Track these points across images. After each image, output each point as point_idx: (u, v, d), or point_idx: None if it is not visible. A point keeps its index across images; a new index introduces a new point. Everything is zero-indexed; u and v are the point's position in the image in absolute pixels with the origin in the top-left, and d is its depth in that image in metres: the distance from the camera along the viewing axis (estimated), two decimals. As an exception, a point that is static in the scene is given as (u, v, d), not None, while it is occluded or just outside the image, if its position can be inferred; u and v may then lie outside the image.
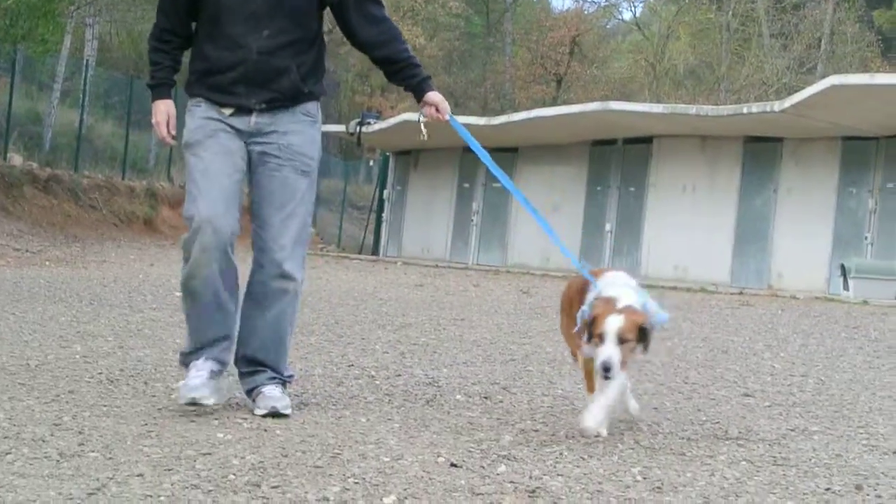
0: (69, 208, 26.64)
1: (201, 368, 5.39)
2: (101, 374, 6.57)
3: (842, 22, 45.51)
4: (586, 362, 5.45)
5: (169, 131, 5.49)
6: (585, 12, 54.43)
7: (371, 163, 37.26)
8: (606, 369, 5.00)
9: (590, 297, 5.25)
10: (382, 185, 35.66)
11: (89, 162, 30.99)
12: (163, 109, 5.52)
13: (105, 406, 5.51)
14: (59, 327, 8.85)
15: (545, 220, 5.97)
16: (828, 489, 4.51)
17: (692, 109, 25.60)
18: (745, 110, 24.39)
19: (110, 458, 4.34)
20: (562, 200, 29.77)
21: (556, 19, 53.81)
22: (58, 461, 4.23)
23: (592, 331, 5.08)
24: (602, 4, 56.80)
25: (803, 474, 4.80)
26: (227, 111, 5.46)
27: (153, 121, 5.55)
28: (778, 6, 46.51)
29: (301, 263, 5.56)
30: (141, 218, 29.58)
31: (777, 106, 23.16)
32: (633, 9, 77.66)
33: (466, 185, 32.95)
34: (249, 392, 5.57)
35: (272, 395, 5.43)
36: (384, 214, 35.67)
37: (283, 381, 5.61)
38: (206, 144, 5.39)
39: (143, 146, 34.39)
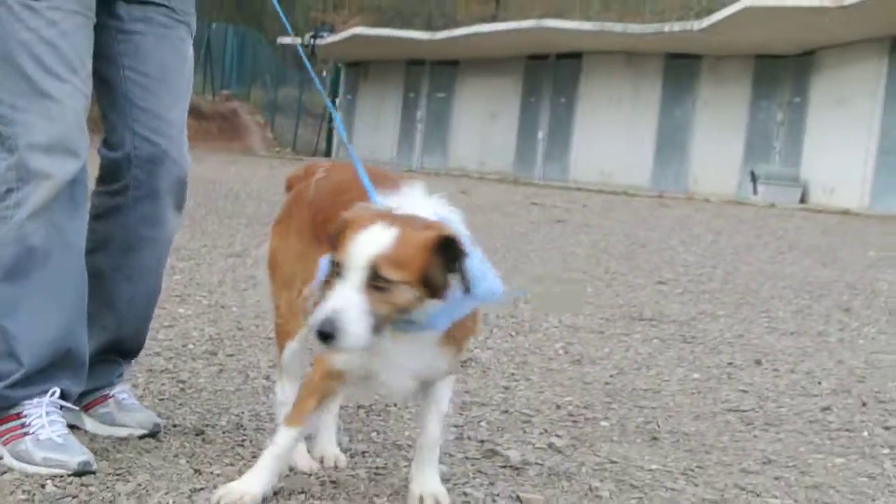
0: None
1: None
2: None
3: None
4: (318, 364, 2.42)
5: None
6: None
7: (324, 73, 36.83)
8: (326, 336, 2.07)
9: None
10: (334, 94, 35.37)
11: None
12: None
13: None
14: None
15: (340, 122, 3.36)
16: (730, 363, 4.59)
17: (619, 27, 25.62)
18: (666, 29, 24.46)
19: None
20: (498, 110, 30.03)
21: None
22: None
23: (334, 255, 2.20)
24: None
25: (709, 351, 4.88)
26: None
27: None
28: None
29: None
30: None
31: (696, 25, 23.30)
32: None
33: (412, 94, 32.91)
34: (85, 394, 2.87)
35: (133, 403, 2.99)
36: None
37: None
38: None
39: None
